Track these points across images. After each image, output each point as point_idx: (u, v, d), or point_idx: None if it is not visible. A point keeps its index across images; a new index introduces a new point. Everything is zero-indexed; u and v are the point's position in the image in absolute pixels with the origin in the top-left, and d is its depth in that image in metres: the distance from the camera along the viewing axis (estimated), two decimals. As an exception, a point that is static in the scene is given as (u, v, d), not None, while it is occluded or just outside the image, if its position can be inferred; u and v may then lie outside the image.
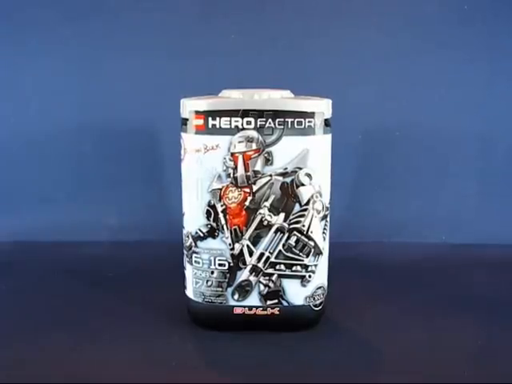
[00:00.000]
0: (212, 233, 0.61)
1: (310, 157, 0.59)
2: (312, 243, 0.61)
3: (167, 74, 0.92)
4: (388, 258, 0.87)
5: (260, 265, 0.61)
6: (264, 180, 0.60)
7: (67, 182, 0.97)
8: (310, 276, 0.62)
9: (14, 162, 0.97)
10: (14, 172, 0.97)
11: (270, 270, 0.61)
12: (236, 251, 0.61)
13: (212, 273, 0.62)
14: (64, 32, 0.93)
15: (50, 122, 0.95)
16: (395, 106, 0.93)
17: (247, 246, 0.61)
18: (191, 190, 0.61)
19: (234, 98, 0.61)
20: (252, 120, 0.58)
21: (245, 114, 0.58)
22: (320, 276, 0.63)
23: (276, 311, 0.62)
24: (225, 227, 0.61)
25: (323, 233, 0.62)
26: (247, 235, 0.61)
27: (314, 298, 0.63)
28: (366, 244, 0.92)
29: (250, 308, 0.62)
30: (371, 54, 0.93)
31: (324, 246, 0.62)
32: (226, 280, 0.62)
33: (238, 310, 0.62)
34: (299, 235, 0.61)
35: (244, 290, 0.62)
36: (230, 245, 0.61)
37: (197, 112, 0.59)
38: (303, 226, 0.61)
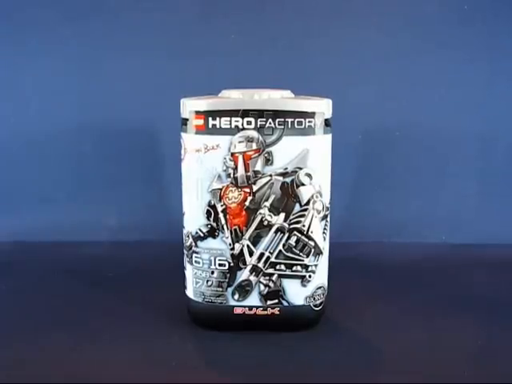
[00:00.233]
0: (212, 233, 0.61)
1: (310, 157, 0.59)
2: (312, 243, 0.61)
3: (167, 74, 0.92)
4: (388, 258, 0.87)
5: (260, 265, 0.61)
6: (264, 180, 0.60)
7: (67, 182, 0.97)
8: (310, 276, 0.62)
9: (14, 161, 0.97)
10: (14, 172, 0.97)
11: (270, 270, 0.61)
12: (236, 251, 0.61)
13: (212, 273, 0.62)
14: (64, 32, 0.93)
15: (50, 122, 0.95)
16: (395, 105, 0.93)
17: (247, 245, 0.61)
18: (191, 190, 0.61)
19: (234, 98, 0.61)
20: (252, 120, 0.58)
21: (245, 113, 0.58)
22: (320, 276, 0.63)
23: (276, 311, 0.62)
24: (225, 227, 0.61)
25: (323, 233, 0.62)
26: (247, 235, 0.61)
27: (314, 298, 0.63)
28: (365, 244, 0.92)
29: (250, 308, 0.62)
30: (371, 54, 0.93)
31: (324, 245, 0.62)
32: (226, 280, 0.62)
33: (238, 310, 0.62)
34: (299, 235, 0.61)
35: (244, 289, 0.62)
36: (230, 245, 0.61)
37: (197, 112, 0.59)
38: (303, 225, 0.61)
